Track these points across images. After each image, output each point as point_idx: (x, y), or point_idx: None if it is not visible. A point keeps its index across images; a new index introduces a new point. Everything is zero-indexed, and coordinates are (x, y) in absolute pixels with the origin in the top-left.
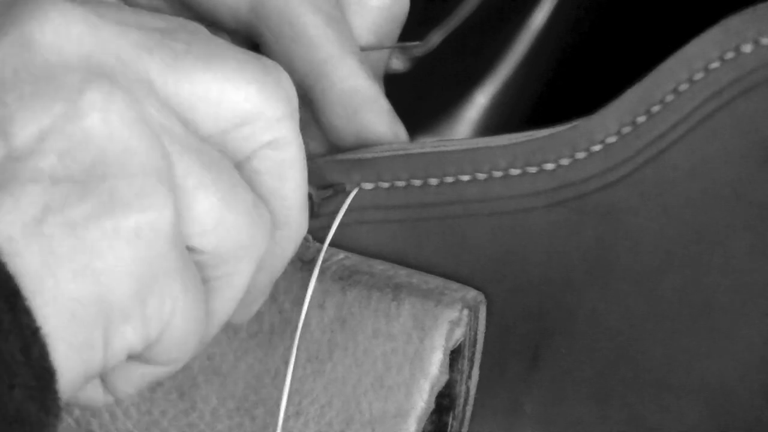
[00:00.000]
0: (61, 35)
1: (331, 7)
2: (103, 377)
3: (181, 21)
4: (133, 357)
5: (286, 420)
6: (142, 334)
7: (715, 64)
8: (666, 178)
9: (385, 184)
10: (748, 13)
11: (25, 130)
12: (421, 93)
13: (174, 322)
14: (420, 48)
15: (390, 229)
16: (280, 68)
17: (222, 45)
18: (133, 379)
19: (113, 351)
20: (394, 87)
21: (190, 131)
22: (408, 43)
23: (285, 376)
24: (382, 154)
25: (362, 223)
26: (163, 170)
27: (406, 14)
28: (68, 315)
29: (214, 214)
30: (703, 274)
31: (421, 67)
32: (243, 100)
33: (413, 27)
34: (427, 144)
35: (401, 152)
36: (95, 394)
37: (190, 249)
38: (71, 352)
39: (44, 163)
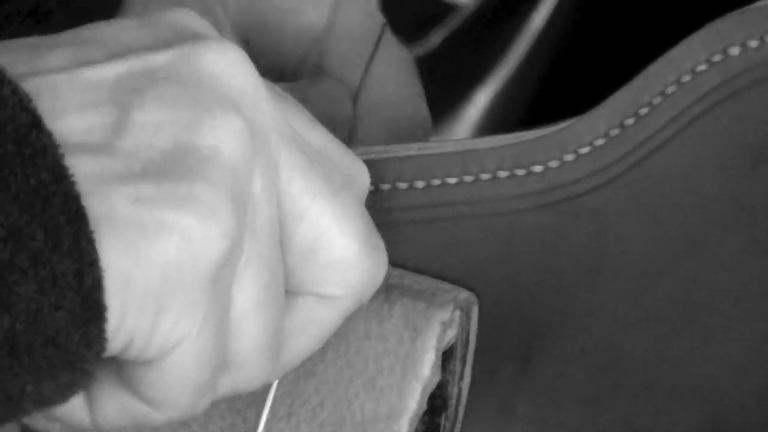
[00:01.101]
0: (232, 70)
1: None
2: (93, 399)
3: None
4: (126, 378)
5: (277, 421)
6: (141, 338)
7: (702, 67)
8: (655, 180)
9: (370, 188)
10: (735, 15)
11: (150, 115)
12: None
13: (177, 354)
14: (420, 48)
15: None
16: (386, 262)
17: (357, 205)
18: (119, 409)
19: (114, 328)
20: None
21: (276, 226)
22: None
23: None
24: (366, 158)
25: None
26: (244, 216)
27: None
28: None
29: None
30: (693, 276)
31: (421, 67)
32: (340, 248)
33: (413, 27)
34: (412, 147)
35: (385, 156)
36: (81, 417)
37: None
38: None
39: (144, 153)
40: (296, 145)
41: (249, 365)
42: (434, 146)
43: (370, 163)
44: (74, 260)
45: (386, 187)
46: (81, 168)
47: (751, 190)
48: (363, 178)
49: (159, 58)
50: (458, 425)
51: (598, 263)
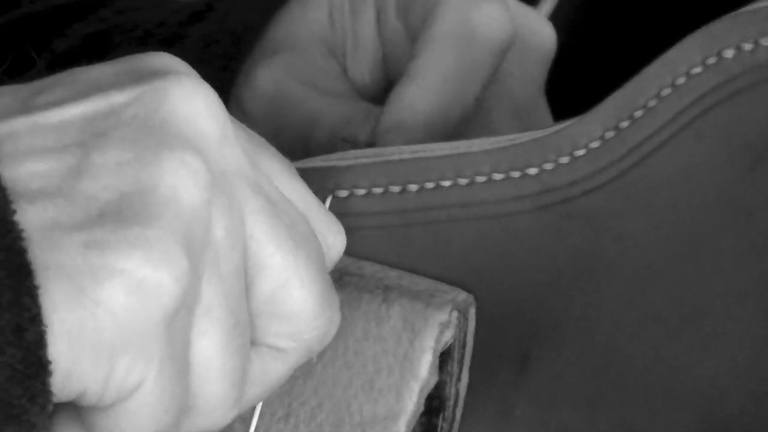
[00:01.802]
0: (200, 110)
1: None
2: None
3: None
4: (87, 424)
5: (276, 422)
6: (96, 385)
7: (697, 69)
8: (651, 182)
9: (362, 191)
10: (730, 18)
11: (107, 157)
12: None
13: (136, 399)
14: None
15: (369, 236)
16: (339, 320)
17: (318, 259)
18: None
19: (64, 378)
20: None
21: (242, 270)
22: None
23: None
24: (357, 161)
25: None
26: (199, 260)
27: None
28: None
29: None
30: (690, 278)
31: None
32: (299, 300)
33: None
34: (405, 150)
35: (378, 159)
36: None
37: None
38: None
39: (103, 196)
40: (261, 192)
41: (214, 410)
42: (427, 149)
43: (362, 167)
44: (14, 315)
45: (379, 191)
46: (36, 215)
47: (748, 192)
48: (338, 240)
49: (125, 96)
50: (456, 426)
51: (596, 265)
